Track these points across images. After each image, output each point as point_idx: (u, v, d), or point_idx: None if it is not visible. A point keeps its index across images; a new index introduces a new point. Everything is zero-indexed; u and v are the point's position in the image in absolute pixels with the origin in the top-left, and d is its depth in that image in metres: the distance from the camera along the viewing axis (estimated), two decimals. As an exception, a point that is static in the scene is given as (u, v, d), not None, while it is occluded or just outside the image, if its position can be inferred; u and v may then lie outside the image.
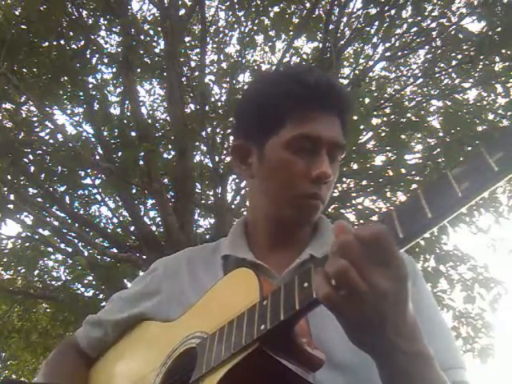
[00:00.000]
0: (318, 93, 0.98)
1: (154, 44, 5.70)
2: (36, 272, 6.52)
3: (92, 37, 5.61)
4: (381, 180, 5.44)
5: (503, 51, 5.01)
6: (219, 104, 5.71)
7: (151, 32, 5.69)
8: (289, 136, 0.98)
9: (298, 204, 0.99)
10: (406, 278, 0.65)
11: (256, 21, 5.86)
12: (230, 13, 6.11)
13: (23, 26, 5.07)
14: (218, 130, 5.53)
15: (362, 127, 4.68)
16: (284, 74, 1.06)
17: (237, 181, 5.65)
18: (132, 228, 6.07)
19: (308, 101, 0.98)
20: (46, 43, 5.21)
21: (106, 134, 5.78)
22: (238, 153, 1.08)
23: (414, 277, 0.97)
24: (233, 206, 5.35)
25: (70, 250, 5.55)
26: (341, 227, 0.67)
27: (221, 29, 6.51)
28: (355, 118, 4.35)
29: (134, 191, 5.83)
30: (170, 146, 5.96)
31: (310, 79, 0.98)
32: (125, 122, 5.82)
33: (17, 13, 5.19)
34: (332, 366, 0.83)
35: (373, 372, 0.88)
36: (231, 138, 4.98)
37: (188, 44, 6.41)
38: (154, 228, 5.97)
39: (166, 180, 6.03)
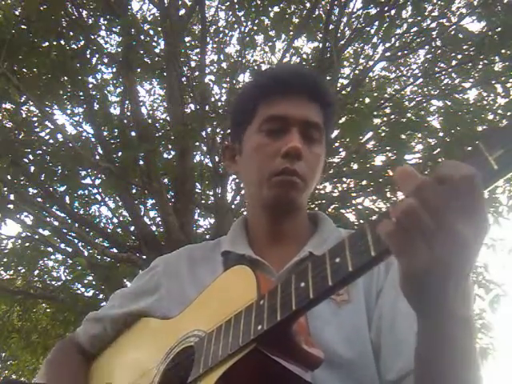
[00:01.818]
0: (282, 79, 1.05)
1: (154, 44, 5.70)
2: (36, 272, 6.54)
3: (92, 37, 5.61)
4: (381, 180, 5.43)
5: (503, 51, 5.01)
6: (219, 104, 5.71)
7: (151, 32, 5.68)
8: (260, 120, 1.05)
9: (273, 182, 1.02)
10: (486, 232, 0.61)
11: (256, 21, 5.86)
12: (230, 13, 6.12)
13: (23, 26, 5.07)
14: (218, 130, 5.53)
15: (363, 127, 4.69)
16: (257, 74, 1.15)
17: (237, 181, 5.64)
18: (132, 228, 6.07)
19: (274, 88, 1.05)
20: (46, 43, 5.20)
21: (106, 134, 5.78)
22: (228, 153, 1.16)
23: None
24: (233, 206, 5.34)
25: (70, 250, 5.55)
26: (405, 171, 0.63)
27: (221, 29, 6.51)
28: (355, 118, 4.36)
29: (134, 191, 5.83)
30: (170, 146, 5.96)
31: (275, 71, 1.12)
32: (125, 121, 5.83)
33: (17, 13, 5.19)
34: (330, 364, 0.83)
35: (370, 369, 0.89)
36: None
37: (188, 44, 6.41)
38: (154, 228, 5.97)
39: (165, 180, 6.03)
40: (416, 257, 0.59)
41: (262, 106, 1.05)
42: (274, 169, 1.00)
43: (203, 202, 6.20)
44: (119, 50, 5.96)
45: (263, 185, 1.03)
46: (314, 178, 1.05)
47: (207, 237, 5.63)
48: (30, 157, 5.52)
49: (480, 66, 5.46)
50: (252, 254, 1.03)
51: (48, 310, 6.91)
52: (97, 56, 5.85)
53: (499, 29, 4.74)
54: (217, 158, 5.15)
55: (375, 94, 6.14)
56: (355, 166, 5.95)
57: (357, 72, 5.80)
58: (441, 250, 0.59)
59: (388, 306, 0.93)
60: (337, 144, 5.84)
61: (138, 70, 5.85)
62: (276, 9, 5.73)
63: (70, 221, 5.53)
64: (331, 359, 0.84)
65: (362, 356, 0.89)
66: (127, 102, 5.95)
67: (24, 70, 5.38)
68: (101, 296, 5.78)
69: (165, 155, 6.04)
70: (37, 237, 5.48)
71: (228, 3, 5.97)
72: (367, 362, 0.89)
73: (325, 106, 1.07)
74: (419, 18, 5.37)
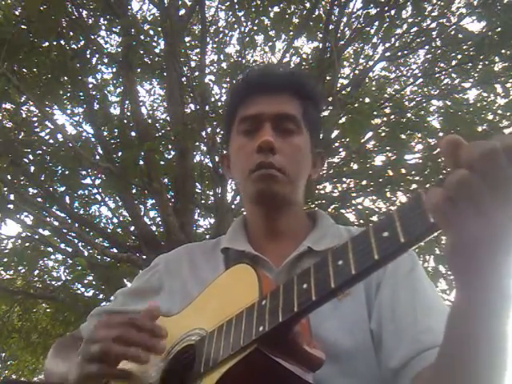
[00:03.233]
0: (253, 81, 1.11)
1: (154, 44, 5.69)
2: (36, 272, 6.53)
3: (92, 37, 5.60)
4: (381, 180, 5.44)
5: (503, 51, 5.01)
6: (219, 104, 5.71)
7: (151, 32, 5.67)
8: (237, 124, 1.11)
9: (253, 178, 1.04)
10: None
11: (256, 21, 5.85)
12: (230, 13, 6.11)
13: (23, 26, 5.07)
14: (218, 130, 5.52)
15: (363, 127, 4.68)
16: (236, 80, 1.18)
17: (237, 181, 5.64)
18: (132, 228, 6.07)
19: (246, 90, 1.11)
20: (46, 43, 5.19)
21: (106, 134, 5.78)
22: (224, 161, 1.21)
23: (414, 265, 0.99)
24: (233, 206, 5.34)
25: (70, 250, 5.55)
26: (454, 141, 0.59)
27: (221, 29, 6.52)
28: (356, 118, 4.35)
29: (134, 191, 5.83)
30: (170, 146, 5.96)
31: (247, 75, 1.15)
32: (125, 121, 5.83)
33: (17, 13, 5.19)
34: (331, 356, 0.83)
35: (371, 360, 0.90)
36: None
37: (188, 44, 6.41)
38: (154, 228, 5.97)
39: (166, 180, 6.03)
40: (467, 228, 0.57)
41: (239, 110, 1.11)
42: (251, 165, 1.04)
43: (203, 202, 6.20)
44: (119, 49, 5.96)
45: (247, 182, 1.06)
46: (298, 170, 1.07)
47: (207, 237, 5.63)
48: (30, 157, 5.52)
49: (480, 66, 5.46)
50: (251, 250, 1.05)
51: (48, 310, 6.91)
52: (97, 56, 5.85)
53: (499, 29, 4.74)
54: (217, 158, 5.14)
55: (375, 94, 6.14)
56: (355, 166, 5.95)
57: (357, 72, 5.80)
58: (498, 222, 0.56)
59: (388, 296, 0.94)
60: (337, 144, 5.84)
61: (138, 70, 5.85)
62: (276, 9, 5.73)
63: (70, 221, 5.53)
64: (332, 351, 0.84)
65: (362, 348, 0.90)
66: (127, 101, 5.95)
67: (24, 70, 5.37)
68: (101, 296, 5.78)
69: (165, 155, 6.04)
70: (37, 237, 5.48)
71: (228, 3, 5.96)
72: (368, 354, 0.90)
73: (303, 99, 1.10)
74: (419, 18, 5.37)
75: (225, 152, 1.23)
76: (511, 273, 0.60)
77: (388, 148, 5.57)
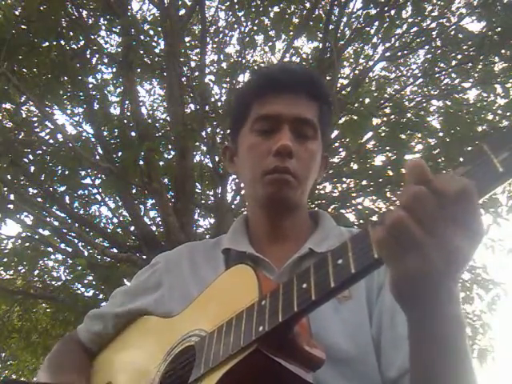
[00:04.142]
0: (273, 78, 1.06)
1: (154, 44, 5.69)
2: (36, 272, 6.53)
3: (92, 37, 5.60)
4: (381, 180, 5.43)
5: (503, 51, 5.01)
6: (219, 104, 5.71)
7: (151, 32, 5.67)
8: (251, 121, 1.06)
9: (266, 181, 1.03)
10: (480, 240, 0.62)
11: (256, 21, 5.86)
12: (230, 13, 6.11)
13: (23, 26, 5.07)
14: (218, 130, 5.53)
15: (363, 128, 4.68)
16: (252, 73, 1.14)
17: (237, 181, 5.64)
18: (132, 228, 6.07)
19: (265, 87, 1.06)
20: (46, 43, 5.20)
21: (106, 134, 5.78)
22: (227, 154, 1.17)
23: None
24: (233, 206, 5.34)
25: (70, 250, 5.55)
26: (416, 167, 0.63)
27: (221, 29, 6.52)
28: (356, 118, 4.35)
29: (134, 191, 5.83)
30: (170, 146, 5.96)
31: (267, 70, 1.12)
32: (125, 121, 5.82)
33: (17, 13, 5.18)
34: (333, 360, 0.83)
35: (372, 364, 0.89)
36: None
37: (188, 44, 6.41)
38: (154, 228, 5.97)
39: (166, 180, 6.02)
40: (406, 264, 0.61)
41: (254, 106, 1.07)
42: (265, 167, 1.02)
43: (203, 202, 6.20)
44: (119, 50, 5.96)
45: (257, 184, 1.04)
46: (309, 175, 1.05)
47: (207, 237, 5.62)
48: (30, 157, 5.52)
49: (480, 66, 5.46)
50: (253, 251, 1.04)
51: (48, 310, 6.91)
52: (97, 56, 5.85)
53: (499, 29, 4.74)
54: (217, 158, 5.15)
55: (375, 94, 6.14)
56: (355, 166, 5.95)
57: (357, 72, 5.80)
58: (433, 258, 0.60)
59: (388, 303, 0.93)
60: (337, 144, 5.84)
61: (138, 70, 5.85)
62: (276, 9, 5.73)
63: (70, 221, 5.53)
64: (333, 355, 0.84)
65: (364, 351, 0.90)
66: (127, 101, 5.95)
67: (24, 69, 5.37)
68: (101, 296, 5.77)
69: (165, 155, 6.04)
70: (37, 237, 5.48)
71: (228, 3, 5.96)
72: (369, 358, 0.90)
73: (320, 102, 1.08)
74: (419, 18, 5.37)
75: (226, 143, 1.20)
76: (455, 299, 0.65)
77: (388, 148, 5.56)
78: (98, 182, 5.99)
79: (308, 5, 5.63)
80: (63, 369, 1.09)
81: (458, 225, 0.60)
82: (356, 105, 5.39)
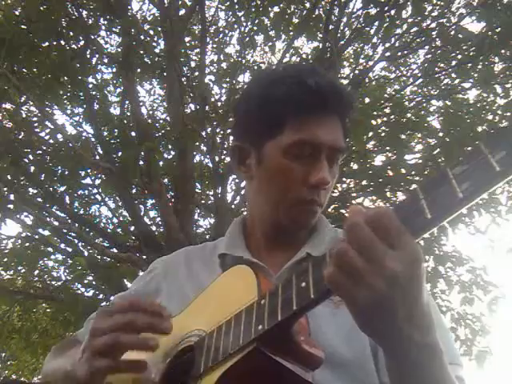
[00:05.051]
0: (319, 96, 0.95)
1: (154, 44, 5.70)
2: (36, 272, 6.53)
3: (92, 37, 5.61)
4: (381, 180, 5.44)
5: (503, 51, 5.01)
6: (219, 104, 5.71)
7: (151, 32, 5.68)
8: (289, 141, 0.96)
9: (295, 210, 1.00)
10: (418, 262, 0.61)
11: (256, 21, 5.85)
12: (230, 13, 6.11)
13: (23, 26, 5.07)
14: (218, 130, 5.53)
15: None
16: (285, 74, 1.03)
17: (237, 181, 5.65)
18: (132, 228, 6.07)
19: (308, 105, 0.95)
20: (46, 43, 5.20)
21: (106, 134, 5.78)
22: (237, 154, 1.08)
23: None
24: (233, 206, 5.35)
25: (70, 250, 5.55)
26: (354, 211, 0.64)
27: (221, 29, 6.53)
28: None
29: (134, 191, 5.84)
30: (170, 146, 5.96)
31: (311, 82, 0.95)
32: (125, 122, 5.83)
33: (17, 13, 5.19)
34: (331, 364, 0.83)
35: (370, 368, 0.89)
36: (231, 138, 4.99)
37: (188, 44, 6.41)
38: (154, 228, 5.97)
39: (166, 180, 6.03)
40: (357, 295, 0.62)
41: (292, 123, 0.96)
42: (300, 197, 0.98)
43: (203, 202, 6.21)
44: (119, 50, 5.96)
45: (281, 207, 1.00)
46: (328, 196, 1.04)
47: (207, 237, 5.63)
48: (30, 157, 5.53)
49: (480, 66, 5.45)
50: (250, 256, 1.03)
51: (48, 310, 6.91)
52: (97, 56, 5.86)
53: (499, 29, 4.74)
54: (217, 158, 5.15)
55: (375, 95, 6.14)
56: (355, 166, 5.95)
57: (357, 72, 5.80)
58: (377, 286, 0.60)
59: None
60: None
61: (138, 70, 5.85)
62: (276, 9, 5.72)
63: (70, 221, 5.54)
64: (331, 359, 0.83)
65: (361, 356, 0.89)
66: (127, 101, 5.96)
67: (24, 69, 5.37)
68: (101, 296, 5.78)
69: (165, 155, 6.04)
70: (37, 237, 5.48)
71: (228, 3, 5.96)
72: (367, 363, 0.89)
73: (344, 121, 1.03)
74: (419, 18, 5.37)
75: (237, 142, 1.08)
76: (425, 325, 0.65)
77: (388, 148, 5.57)
78: (98, 182, 6.01)
79: (308, 5, 5.63)
80: (70, 348, 1.08)
81: (395, 249, 0.61)
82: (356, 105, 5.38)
